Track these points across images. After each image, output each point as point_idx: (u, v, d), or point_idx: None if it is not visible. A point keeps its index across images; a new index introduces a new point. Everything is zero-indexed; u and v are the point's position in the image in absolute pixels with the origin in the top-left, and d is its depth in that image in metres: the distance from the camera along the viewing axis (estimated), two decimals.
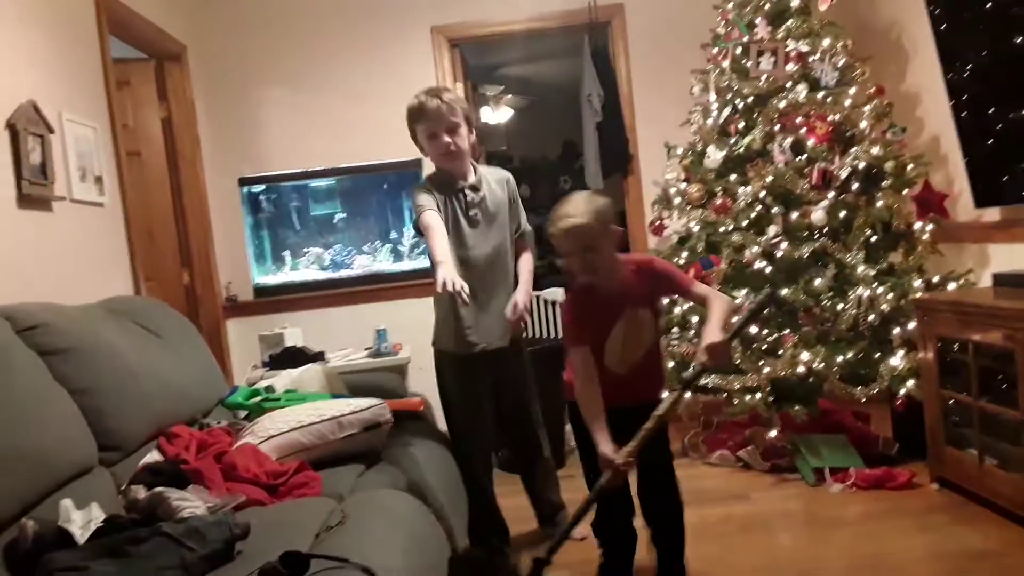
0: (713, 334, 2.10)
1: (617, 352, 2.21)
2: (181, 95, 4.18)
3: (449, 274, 2.22)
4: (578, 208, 2.08)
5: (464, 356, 2.62)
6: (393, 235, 4.59)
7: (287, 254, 4.56)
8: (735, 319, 2.34)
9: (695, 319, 3.67)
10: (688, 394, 2.35)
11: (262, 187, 4.50)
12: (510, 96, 7.45)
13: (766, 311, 3.31)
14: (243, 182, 4.44)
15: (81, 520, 1.66)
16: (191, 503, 1.79)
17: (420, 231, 2.52)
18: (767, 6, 3.69)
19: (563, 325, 2.31)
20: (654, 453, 2.17)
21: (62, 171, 2.85)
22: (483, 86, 6.87)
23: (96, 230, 3.11)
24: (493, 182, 2.70)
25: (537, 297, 4.89)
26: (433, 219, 2.48)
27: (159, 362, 2.47)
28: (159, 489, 1.83)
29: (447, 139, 2.56)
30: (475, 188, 2.64)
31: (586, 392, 2.14)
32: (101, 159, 3.16)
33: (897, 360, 3.29)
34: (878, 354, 3.37)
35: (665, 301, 3.83)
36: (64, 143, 2.88)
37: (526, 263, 2.82)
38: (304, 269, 4.55)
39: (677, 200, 3.88)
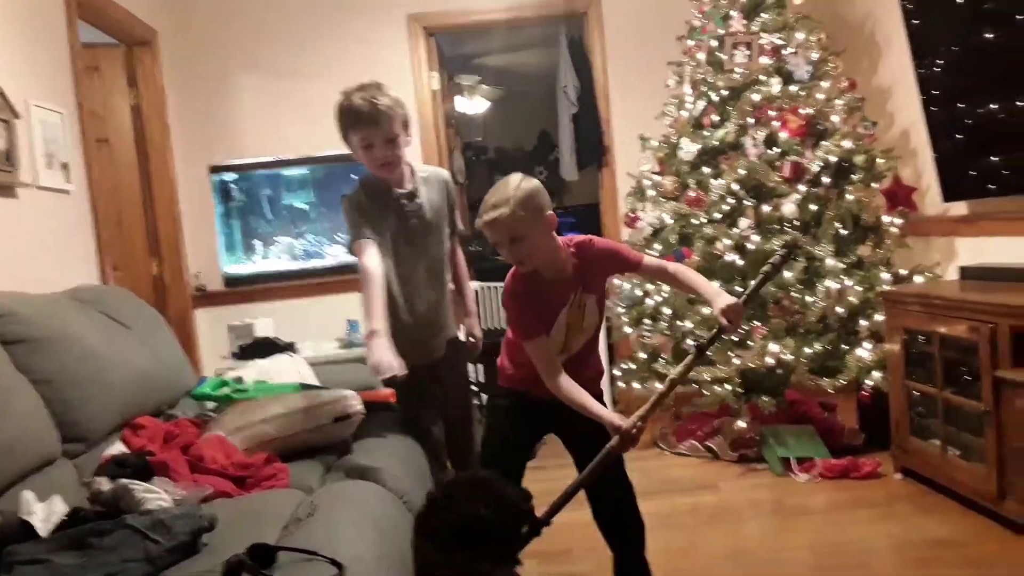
0: (723, 296, 1.99)
1: (560, 341, 2.09)
2: (151, 81, 4.12)
3: (384, 357, 2.07)
4: (503, 197, 1.94)
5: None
6: None
7: (258, 243, 4.51)
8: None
9: (667, 311, 3.69)
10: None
11: (233, 175, 4.44)
12: (485, 87, 7.42)
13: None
14: (214, 170, 4.38)
15: (43, 512, 1.64)
16: (156, 495, 1.77)
17: (353, 253, 2.33)
18: None
19: (509, 318, 2.13)
20: (597, 452, 2.01)
21: (28, 157, 2.80)
22: (458, 76, 6.83)
23: (62, 218, 3.05)
24: (431, 185, 2.52)
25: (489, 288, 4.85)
26: (370, 260, 2.26)
27: (125, 352, 2.44)
28: (124, 481, 1.81)
29: (386, 152, 2.34)
30: (412, 196, 2.44)
31: (558, 382, 2.01)
32: (68, 146, 3.11)
33: (864, 352, 3.34)
34: (846, 346, 3.42)
35: (639, 293, 3.88)
36: (30, 129, 2.83)
37: (464, 274, 2.72)
38: (275, 259, 4.51)
39: (651, 192, 3.90)
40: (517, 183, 1.98)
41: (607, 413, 1.97)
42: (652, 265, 2.18)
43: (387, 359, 2.08)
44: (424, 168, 2.57)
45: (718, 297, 2.01)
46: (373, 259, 2.28)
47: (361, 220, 2.35)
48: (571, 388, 2.02)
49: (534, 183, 2.00)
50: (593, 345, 2.22)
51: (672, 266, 2.19)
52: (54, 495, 1.73)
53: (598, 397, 2.20)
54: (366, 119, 2.30)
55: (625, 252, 2.19)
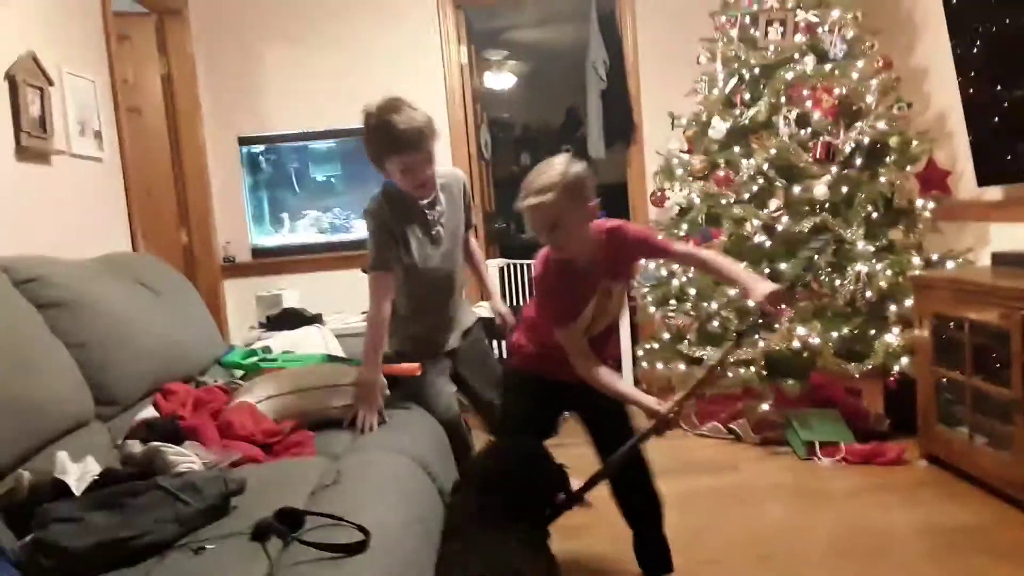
0: (763, 283, 1.98)
1: (584, 327, 2.09)
2: (181, 51, 4.14)
3: (369, 419, 2.25)
4: (546, 182, 1.90)
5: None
6: None
7: (285, 216, 4.53)
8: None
9: (692, 292, 3.67)
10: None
11: (261, 147, 4.46)
12: (513, 62, 7.37)
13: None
14: (242, 142, 4.40)
15: (77, 472, 1.67)
16: (187, 458, 1.80)
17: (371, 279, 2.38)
18: None
19: (540, 304, 2.14)
20: (616, 432, 2.09)
21: (61, 125, 2.83)
22: (486, 51, 6.80)
23: (94, 186, 3.09)
24: (449, 189, 2.53)
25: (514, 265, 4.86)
26: (386, 301, 2.33)
27: (157, 319, 2.47)
28: (155, 444, 1.84)
29: (425, 172, 2.32)
30: (434, 203, 2.46)
31: (591, 369, 2.02)
32: (100, 114, 3.14)
33: (892, 337, 3.31)
34: (873, 331, 3.38)
35: (664, 273, 3.86)
36: (64, 96, 2.86)
37: (481, 260, 2.80)
38: (303, 231, 4.53)
39: (679, 171, 3.86)
40: (564, 168, 1.92)
41: (645, 398, 1.97)
42: (683, 252, 2.18)
43: (371, 421, 2.27)
44: (443, 173, 2.54)
45: (758, 284, 1.98)
46: (388, 301, 2.35)
47: (387, 243, 2.36)
48: (604, 374, 2.02)
49: (580, 169, 1.95)
50: (614, 328, 2.23)
51: (705, 253, 2.17)
52: (87, 456, 1.76)
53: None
54: (410, 145, 2.26)
55: (655, 239, 2.19)
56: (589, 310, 2.08)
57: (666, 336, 3.85)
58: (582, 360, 2.03)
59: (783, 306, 2.00)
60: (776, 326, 3.30)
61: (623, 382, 2.03)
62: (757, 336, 3.33)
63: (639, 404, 1.97)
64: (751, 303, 2.00)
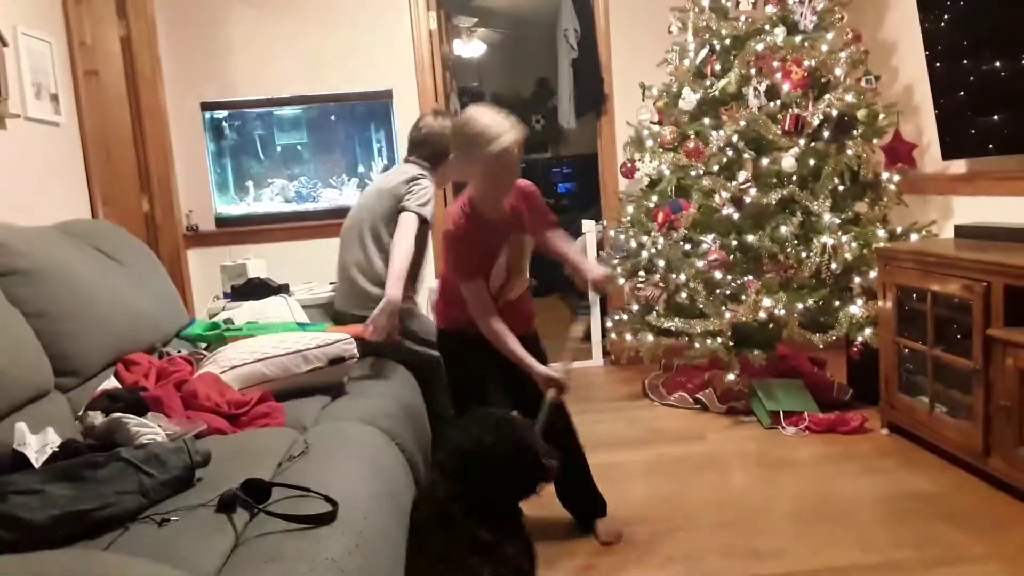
0: (597, 267, 2.44)
1: (502, 277, 2.22)
2: (141, 11, 4.01)
3: (387, 327, 2.56)
4: (511, 121, 2.06)
5: None
6: (361, 169, 4.50)
7: (250, 184, 4.45)
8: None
9: (661, 263, 3.67)
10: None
11: (225, 113, 4.36)
12: (483, 29, 7.27)
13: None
14: (205, 107, 4.30)
15: (36, 444, 1.63)
16: (150, 430, 1.77)
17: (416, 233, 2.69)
18: None
19: (448, 257, 2.23)
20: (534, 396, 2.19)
21: (16, 87, 2.73)
22: (456, 17, 6.69)
23: (52, 151, 3.00)
24: None
25: None
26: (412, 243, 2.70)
27: (118, 288, 2.42)
28: (117, 415, 1.80)
29: None
30: None
31: (491, 325, 2.13)
32: (57, 76, 3.03)
33: (856, 308, 3.35)
34: (838, 302, 3.43)
35: (634, 245, 3.86)
36: (19, 58, 2.76)
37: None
38: (268, 200, 4.46)
39: (650, 142, 3.85)
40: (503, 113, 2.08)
41: (538, 366, 2.13)
42: (554, 224, 2.39)
43: (388, 330, 2.59)
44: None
45: (594, 267, 2.43)
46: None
47: (432, 206, 2.77)
48: (506, 336, 2.14)
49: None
50: (527, 298, 2.40)
51: (560, 233, 2.44)
52: (47, 427, 1.72)
53: (534, 335, 2.39)
54: None
55: (548, 211, 2.38)
56: (502, 264, 2.20)
57: (635, 307, 3.87)
58: (485, 316, 2.14)
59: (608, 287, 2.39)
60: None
61: (522, 349, 2.14)
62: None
63: (532, 371, 2.12)
64: (589, 280, 2.33)
